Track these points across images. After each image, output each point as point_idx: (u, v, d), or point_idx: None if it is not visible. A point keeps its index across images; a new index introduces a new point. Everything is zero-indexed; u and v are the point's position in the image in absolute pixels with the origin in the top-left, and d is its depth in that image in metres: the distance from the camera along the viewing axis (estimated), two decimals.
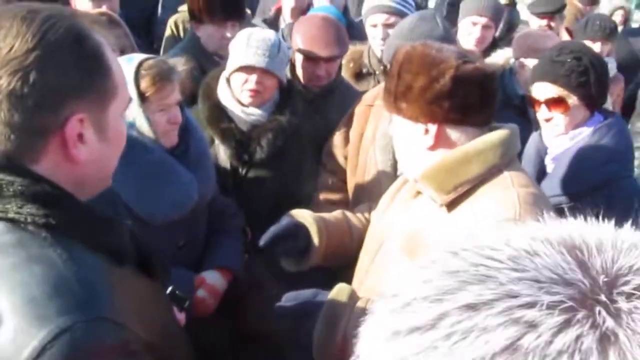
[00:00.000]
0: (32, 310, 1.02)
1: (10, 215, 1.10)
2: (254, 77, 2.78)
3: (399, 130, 1.94)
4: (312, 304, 1.89)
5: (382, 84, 3.05)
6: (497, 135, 1.84)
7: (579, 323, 0.49)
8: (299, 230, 2.15)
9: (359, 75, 3.58)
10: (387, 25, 3.41)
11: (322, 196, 2.99)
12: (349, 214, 2.37)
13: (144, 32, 5.10)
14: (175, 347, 1.36)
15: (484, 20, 3.89)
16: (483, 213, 1.72)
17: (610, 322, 0.49)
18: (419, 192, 1.95)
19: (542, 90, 2.59)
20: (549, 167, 2.67)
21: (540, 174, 2.66)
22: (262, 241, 2.13)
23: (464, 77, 1.78)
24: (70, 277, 1.08)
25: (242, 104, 2.84)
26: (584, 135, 2.56)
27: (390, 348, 0.55)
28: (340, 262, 2.28)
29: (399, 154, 2.03)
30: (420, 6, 5.57)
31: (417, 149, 1.89)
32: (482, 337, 0.50)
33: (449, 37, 2.86)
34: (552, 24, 4.78)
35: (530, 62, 3.25)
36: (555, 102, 2.56)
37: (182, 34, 4.41)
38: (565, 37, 4.86)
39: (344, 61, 3.47)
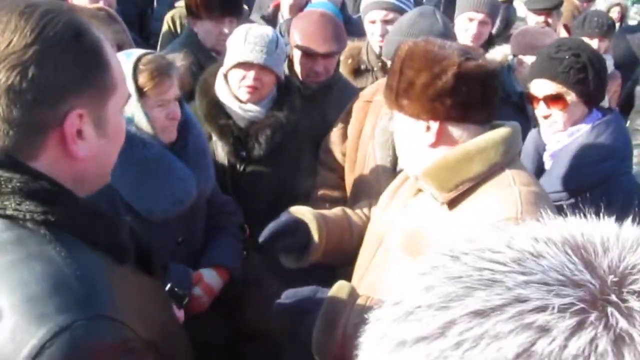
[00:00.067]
0: (31, 309, 1.01)
1: (9, 212, 1.09)
2: (251, 74, 2.77)
3: (400, 127, 1.93)
4: (312, 301, 1.89)
5: (380, 80, 3.06)
6: (499, 133, 1.83)
7: (592, 325, 0.48)
8: (299, 226, 2.14)
9: (357, 72, 3.58)
10: (386, 22, 3.40)
11: (321, 193, 2.98)
12: (349, 211, 2.36)
13: (137, 27, 5.09)
14: (174, 345, 1.36)
15: (480, 16, 3.88)
16: (485, 211, 1.71)
17: (623, 323, 0.48)
18: (419, 190, 1.94)
19: (541, 87, 2.59)
20: (547, 164, 2.67)
21: (539, 170, 2.65)
22: (262, 237, 2.12)
23: (466, 75, 1.77)
24: (70, 274, 1.07)
25: (240, 100, 2.83)
26: (582, 132, 2.56)
27: (395, 359, 0.54)
28: (340, 259, 2.27)
29: (399, 151, 2.02)
30: (420, 2, 5.55)
31: (418, 146, 1.88)
32: (493, 344, 0.49)
33: (448, 33, 2.86)
34: (550, 20, 4.79)
35: (529, 59, 3.25)
36: (554, 99, 2.55)
37: (179, 29, 4.39)
38: (563, 33, 4.87)
39: (342, 57, 3.46)
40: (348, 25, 3.73)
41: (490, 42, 3.97)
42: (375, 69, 3.52)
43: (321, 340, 1.82)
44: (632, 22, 7.96)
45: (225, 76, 2.85)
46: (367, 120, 2.85)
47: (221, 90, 2.85)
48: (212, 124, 2.81)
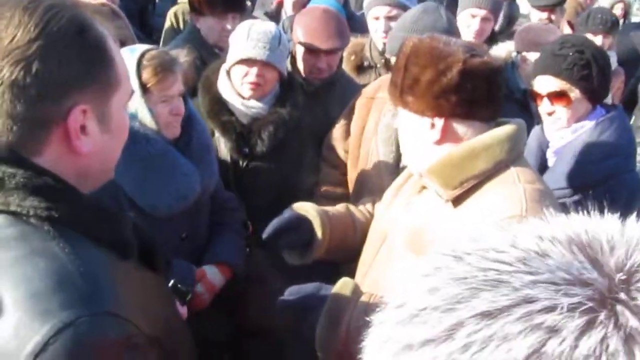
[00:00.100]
0: (35, 305, 1.01)
1: (13, 208, 1.09)
2: (254, 70, 2.76)
3: (405, 124, 1.92)
4: (315, 298, 1.88)
5: (383, 77, 3.05)
6: (504, 130, 1.82)
7: (602, 324, 0.48)
8: (302, 223, 2.14)
9: (360, 68, 3.57)
10: (389, 18, 3.40)
11: (323, 190, 2.98)
12: (352, 207, 2.36)
13: (138, 23, 5.10)
14: (178, 341, 1.35)
15: (483, 12, 3.87)
16: (489, 209, 1.70)
17: (633, 321, 0.48)
18: (423, 187, 1.94)
19: (544, 84, 2.58)
20: (550, 160, 2.66)
21: (542, 167, 2.65)
22: (265, 234, 2.12)
23: (471, 71, 1.76)
24: (74, 271, 1.06)
25: (243, 97, 2.82)
26: (586, 128, 2.55)
27: None
28: (344, 255, 2.27)
29: (404, 148, 2.01)
30: None
31: (423, 144, 1.87)
32: (502, 346, 0.48)
33: (452, 29, 2.85)
34: (553, 16, 4.77)
35: (532, 56, 3.24)
36: (558, 96, 2.55)
37: (181, 25, 4.40)
38: (566, 30, 4.86)
39: (345, 54, 3.45)
40: (351, 22, 3.73)
41: (492, 39, 3.97)
42: (378, 65, 3.51)
43: (325, 337, 1.82)
44: (635, 18, 7.94)
45: (228, 73, 2.84)
46: (370, 117, 2.84)
47: (224, 87, 2.84)
48: (215, 121, 2.81)
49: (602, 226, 0.57)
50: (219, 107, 2.83)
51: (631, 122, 4.29)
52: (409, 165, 2.02)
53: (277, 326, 2.30)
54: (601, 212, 0.60)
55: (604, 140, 2.51)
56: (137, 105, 2.23)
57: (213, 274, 2.47)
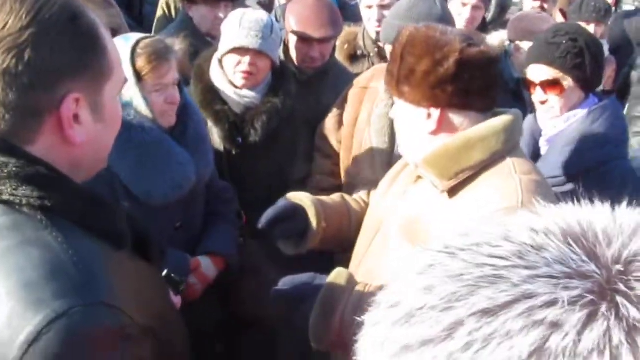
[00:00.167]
0: (28, 294, 1.00)
1: (5, 197, 1.08)
2: (247, 59, 2.75)
3: (401, 114, 1.91)
4: (310, 288, 1.88)
5: (376, 67, 3.04)
6: (500, 120, 1.81)
7: (604, 316, 0.47)
8: (297, 212, 2.13)
9: (353, 57, 3.57)
10: (383, 7, 3.39)
11: (316, 180, 2.98)
12: (347, 197, 2.35)
13: (126, 11, 5.06)
14: (172, 331, 1.35)
15: (473, 0, 3.86)
16: (485, 200, 1.69)
17: (634, 312, 0.47)
18: (419, 177, 1.92)
19: (538, 72, 2.58)
20: (543, 149, 2.66)
21: (534, 156, 2.65)
22: (260, 224, 2.11)
23: (468, 61, 1.75)
24: (67, 260, 1.06)
25: (235, 86, 2.81)
26: (579, 117, 2.55)
27: None
28: (339, 245, 2.26)
29: (400, 138, 2.00)
30: None
31: (419, 134, 1.86)
32: (505, 343, 0.47)
33: (447, 16, 2.84)
34: (545, 5, 4.77)
35: (526, 45, 3.24)
36: (551, 84, 2.55)
37: (174, 14, 4.37)
38: (559, 18, 4.85)
39: (338, 43, 3.44)
40: (344, 11, 3.72)
41: (483, 27, 3.96)
42: (371, 54, 3.50)
43: (318, 326, 1.82)
44: (627, 7, 7.93)
45: (220, 62, 2.83)
46: (363, 107, 2.83)
47: (216, 76, 2.83)
48: (208, 110, 2.79)
49: (595, 216, 0.56)
50: (212, 96, 2.82)
51: (624, 111, 4.30)
52: (405, 156, 2.01)
53: (271, 316, 2.30)
54: (592, 201, 0.59)
55: (596, 128, 2.51)
56: (132, 94, 2.21)
57: (206, 265, 2.46)
